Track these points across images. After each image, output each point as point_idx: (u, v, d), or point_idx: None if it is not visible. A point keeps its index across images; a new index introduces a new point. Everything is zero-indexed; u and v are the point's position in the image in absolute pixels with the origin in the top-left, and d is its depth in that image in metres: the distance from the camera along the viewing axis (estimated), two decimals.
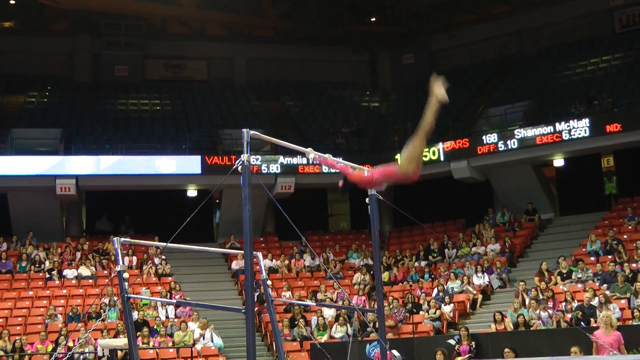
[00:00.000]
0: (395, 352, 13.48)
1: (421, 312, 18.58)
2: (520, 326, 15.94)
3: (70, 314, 18.53)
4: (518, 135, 21.73)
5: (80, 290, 20.18)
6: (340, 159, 8.10)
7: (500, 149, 21.94)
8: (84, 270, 20.89)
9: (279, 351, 9.51)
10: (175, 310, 19.13)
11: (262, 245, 23.57)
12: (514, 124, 22.70)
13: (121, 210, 24.54)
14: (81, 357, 17.08)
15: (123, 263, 7.27)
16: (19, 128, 24.05)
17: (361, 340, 16.47)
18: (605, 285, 17.26)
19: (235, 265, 21.98)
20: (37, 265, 21.00)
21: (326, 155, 7.82)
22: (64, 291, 20.16)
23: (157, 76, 29.88)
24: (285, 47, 30.61)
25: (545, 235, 22.53)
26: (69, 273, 20.85)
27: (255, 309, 17.57)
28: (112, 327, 17.60)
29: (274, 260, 22.27)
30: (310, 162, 22.21)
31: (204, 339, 17.69)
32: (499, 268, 19.90)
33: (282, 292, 19.86)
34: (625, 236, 19.83)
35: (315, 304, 17.91)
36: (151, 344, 17.18)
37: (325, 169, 23.04)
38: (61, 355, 15.79)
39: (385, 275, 21.03)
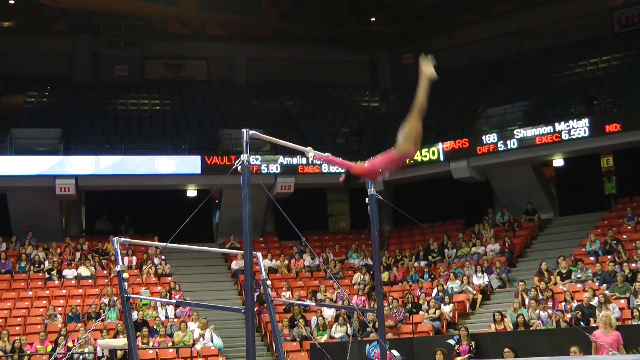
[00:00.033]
0: (394, 352, 13.50)
1: (421, 312, 18.57)
2: (519, 326, 15.94)
3: (70, 314, 18.52)
4: (518, 135, 21.74)
5: (80, 291, 20.18)
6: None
7: (499, 149, 21.94)
8: (84, 270, 20.88)
9: (278, 351, 9.52)
10: (175, 310, 19.12)
11: (262, 245, 23.57)
12: (514, 124, 22.72)
13: (121, 210, 24.53)
14: (81, 357, 17.08)
15: (122, 263, 7.27)
16: (18, 128, 24.05)
17: (361, 340, 16.47)
18: (604, 285, 17.26)
19: (235, 265, 21.98)
20: (36, 266, 20.99)
21: (326, 154, 7.81)
22: (64, 291, 20.16)
23: (157, 76, 29.88)
24: (285, 47, 30.62)
25: (544, 235, 22.54)
26: (69, 273, 20.85)
27: (255, 309, 17.55)
28: (111, 327, 17.59)
29: (273, 260, 22.27)
30: (310, 161, 22.21)
31: (203, 339, 17.69)
32: (498, 268, 19.90)
33: (281, 292, 19.86)
34: (624, 236, 19.84)
35: (315, 304, 17.91)
36: (151, 344, 17.17)
37: (324, 169, 23.07)
38: (61, 356, 15.79)
39: (384, 275, 21.03)
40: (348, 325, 18.01)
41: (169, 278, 21.12)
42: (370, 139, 26.50)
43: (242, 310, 6.44)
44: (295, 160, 23.15)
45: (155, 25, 29.91)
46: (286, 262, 22.44)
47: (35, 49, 28.40)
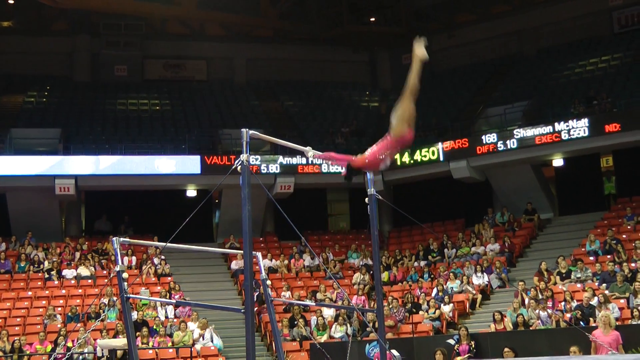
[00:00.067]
0: (394, 352, 13.49)
1: (420, 312, 18.57)
2: (519, 326, 15.94)
3: (70, 314, 18.52)
4: (517, 135, 21.74)
5: (80, 291, 20.17)
6: None
7: (499, 148, 21.95)
8: (83, 270, 20.88)
9: (278, 351, 9.51)
10: (175, 310, 19.11)
11: (262, 245, 23.56)
12: (514, 124, 22.72)
13: (120, 210, 24.52)
14: (80, 357, 17.06)
15: (122, 263, 7.27)
16: (18, 128, 24.04)
17: (361, 340, 16.47)
18: (604, 284, 17.26)
19: (235, 265, 21.98)
20: (36, 266, 20.99)
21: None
22: (63, 291, 20.15)
23: (157, 76, 29.89)
24: (284, 47, 30.62)
25: (544, 235, 22.54)
26: (68, 273, 20.85)
27: (255, 309, 17.55)
28: (111, 327, 17.59)
29: (273, 260, 22.26)
30: (310, 160, 22.22)
31: (203, 339, 17.68)
32: (498, 268, 19.90)
33: (281, 292, 19.86)
34: (624, 236, 19.84)
35: (314, 303, 17.92)
36: (150, 344, 17.17)
37: (324, 168, 23.07)
38: (60, 356, 15.79)
39: (384, 275, 21.04)
40: (348, 325, 18.00)
41: (169, 278, 21.11)
42: (370, 139, 26.32)
43: (242, 310, 6.44)
44: (295, 160, 23.15)
45: (155, 25, 29.90)
46: (286, 262, 22.44)
47: (35, 49, 28.40)
